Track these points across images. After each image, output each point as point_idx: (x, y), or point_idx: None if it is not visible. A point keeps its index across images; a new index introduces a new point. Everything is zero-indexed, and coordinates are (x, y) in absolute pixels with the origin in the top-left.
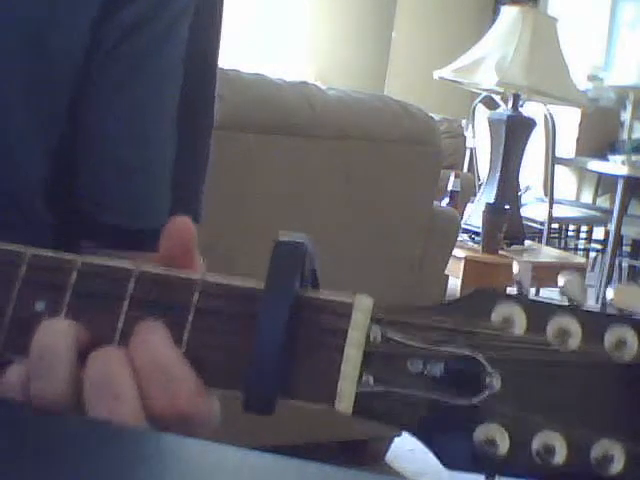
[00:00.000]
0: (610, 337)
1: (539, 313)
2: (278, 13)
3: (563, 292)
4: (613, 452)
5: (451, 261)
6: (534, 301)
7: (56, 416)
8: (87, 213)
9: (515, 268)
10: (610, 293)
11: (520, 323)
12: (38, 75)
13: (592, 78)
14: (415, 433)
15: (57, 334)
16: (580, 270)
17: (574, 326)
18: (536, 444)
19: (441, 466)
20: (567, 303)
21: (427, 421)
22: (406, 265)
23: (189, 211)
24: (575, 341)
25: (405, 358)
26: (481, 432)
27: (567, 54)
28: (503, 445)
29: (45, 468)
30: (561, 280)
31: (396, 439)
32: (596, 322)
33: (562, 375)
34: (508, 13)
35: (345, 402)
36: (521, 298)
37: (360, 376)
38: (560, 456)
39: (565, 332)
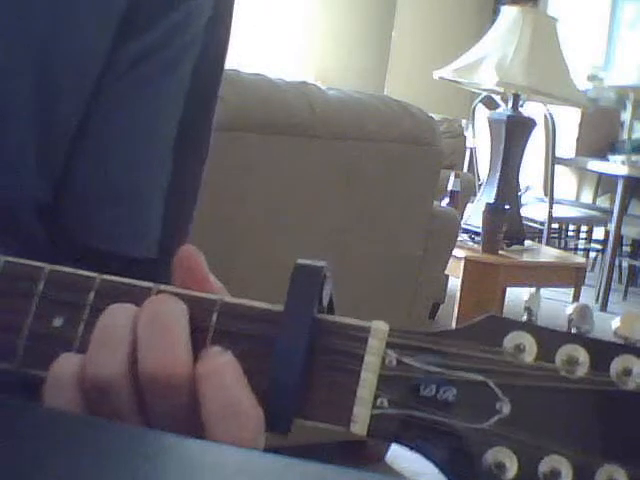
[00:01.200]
0: (616, 366)
1: (549, 341)
2: (278, 13)
3: (571, 321)
4: (617, 478)
5: (451, 261)
6: (544, 329)
7: (56, 416)
8: (75, 236)
9: (525, 295)
10: (616, 322)
11: (530, 351)
12: (45, 103)
13: (592, 78)
14: (427, 455)
15: (118, 315)
16: (580, 270)
17: (582, 354)
18: (543, 468)
19: None
20: (575, 331)
21: (439, 443)
22: (406, 265)
23: (175, 244)
24: (583, 369)
25: (419, 382)
26: (491, 456)
27: (567, 54)
28: (512, 469)
29: (45, 468)
30: (569, 309)
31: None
32: (603, 351)
33: (570, 401)
34: (508, 13)
35: (360, 425)
36: (532, 326)
37: (375, 399)
38: None
39: (573, 360)
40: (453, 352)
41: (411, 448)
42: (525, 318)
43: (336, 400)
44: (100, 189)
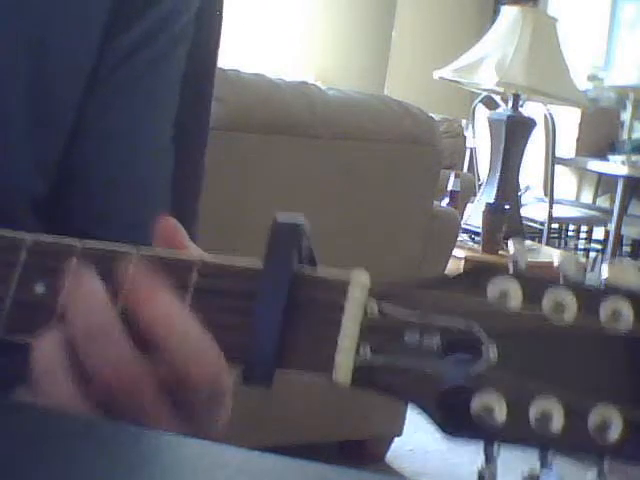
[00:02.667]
0: (605, 309)
1: (535, 287)
2: (278, 13)
3: (559, 271)
4: (611, 419)
5: (451, 261)
6: (529, 274)
7: (56, 416)
8: (81, 230)
9: (511, 248)
10: (604, 270)
11: (516, 296)
12: (39, 97)
13: (592, 78)
14: (414, 403)
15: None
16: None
17: (569, 298)
18: (533, 411)
19: (441, 466)
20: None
21: (425, 391)
22: (406, 265)
23: (185, 228)
24: (571, 313)
25: (402, 331)
26: (479, 401)
27: (567, 54)
28: (501, 413)
29: (44, 468)
30: (557, 259)
31: (396, 439)
32: (591, 294)
33: (558, 345)
34: (508, 13)
35: (342, 373)
36: (516, 272)
37: (357, 349)
38: (558, 423)
39: (561, 304)
40: (436, 300)
41: (397, 397)
42: (511, 268)
43: (318, 350)
44: (104, 181)
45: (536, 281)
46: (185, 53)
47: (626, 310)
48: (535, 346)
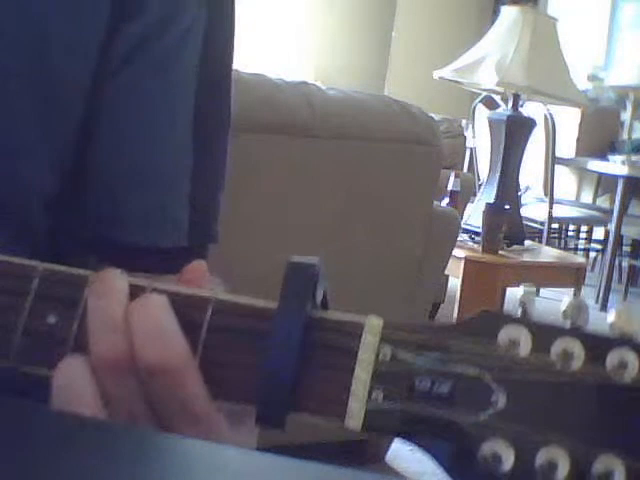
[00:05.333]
0: (612, 359)
1: (544, 335)
2: (278, 13)
3: (566, 315)
4: (614, 468)
5: (451, 261)
6: (539, 323)
7: (55, 415)
8: (99, 232)
9: (520, 292)
10: (611, 316)
11: (525, 344)
12: (46, 92)
13: (592, 78)
14: (424, 449)
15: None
16: (580, 270)
17: (577, 348)
18: (540, 460)
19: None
20: (569, 325)
21: (435, 437)
22: (406, 265)
23: (206, 229)
24: (578, 362)
25: (413, 377)
26: (487, 448)
27: (567, 54)
28: (508, 461)
29: (45, 468)
30: (564, 304)
31: (396, 439)
32: (598, 344)
33: (565, 394)
34: (508, 13)
35: (354, 419)
36: (527, 320)
37: (369, 394)
38: (563, 472)
39: (568, 353)
40: (447, 346)
41: (407, 442)
42: (520, 313)
43: (331, 395)
44: (125, 178)
45: (545, 329)
46: (200, 40)
47: (632, 360)
48: (543, 394)
